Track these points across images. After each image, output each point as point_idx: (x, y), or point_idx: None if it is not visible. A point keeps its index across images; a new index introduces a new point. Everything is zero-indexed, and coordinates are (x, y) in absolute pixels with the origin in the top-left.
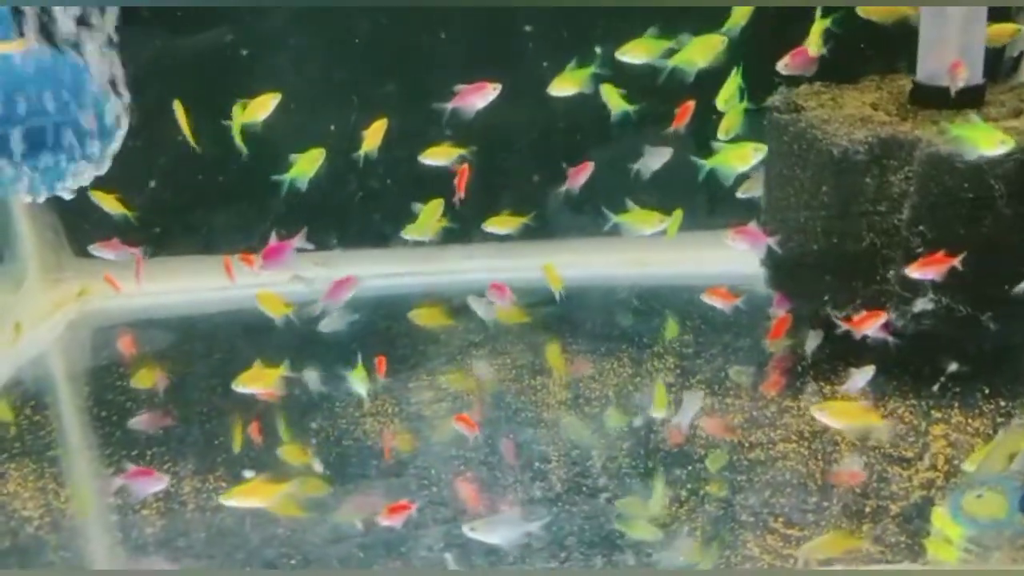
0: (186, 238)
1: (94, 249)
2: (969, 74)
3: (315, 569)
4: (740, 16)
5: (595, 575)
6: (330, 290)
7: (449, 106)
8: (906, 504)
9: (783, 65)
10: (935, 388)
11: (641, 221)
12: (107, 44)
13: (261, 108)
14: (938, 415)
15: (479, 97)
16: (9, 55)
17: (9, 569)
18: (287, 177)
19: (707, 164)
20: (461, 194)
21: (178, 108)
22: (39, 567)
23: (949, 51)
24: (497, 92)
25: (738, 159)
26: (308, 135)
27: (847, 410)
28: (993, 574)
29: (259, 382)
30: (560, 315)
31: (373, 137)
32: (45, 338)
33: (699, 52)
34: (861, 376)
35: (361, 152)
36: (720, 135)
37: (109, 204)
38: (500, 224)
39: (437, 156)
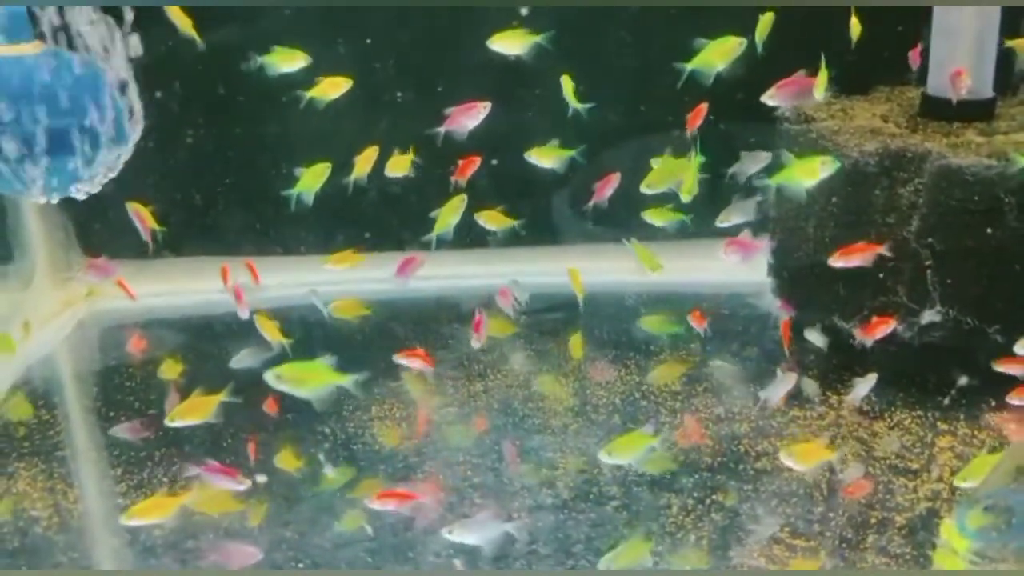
0: (196, 239)
1: (80, 276)
2: (980, 88)
3: (316, 570)
4: (765, 26)
5: None
6: (398, 268)
7: (441, 129)
8: (911, 515)
9: (769, 96)
10: (944, 400)
11: (644, 258)
12: (122, 46)
13: (333, 88)
14: (944, 427)
15: (470, 117)
16: (25, 57)
17: (15, 569)
18: (294, 192)
19: (773, 180)
20: (459, 178)
21: (176, 13)
22: (44, 567)
23: (960, 64)
24: (487, 111)
25: (806, 174)
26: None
27: (810, 451)
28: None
29: (196, 412)
30: (568, 321)
31: (364, 163)
32: (54, 337)
33: (717, 55)
34: (864, 384)
35: (351, 178)
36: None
37: (143, 217)
38: (490, 219)
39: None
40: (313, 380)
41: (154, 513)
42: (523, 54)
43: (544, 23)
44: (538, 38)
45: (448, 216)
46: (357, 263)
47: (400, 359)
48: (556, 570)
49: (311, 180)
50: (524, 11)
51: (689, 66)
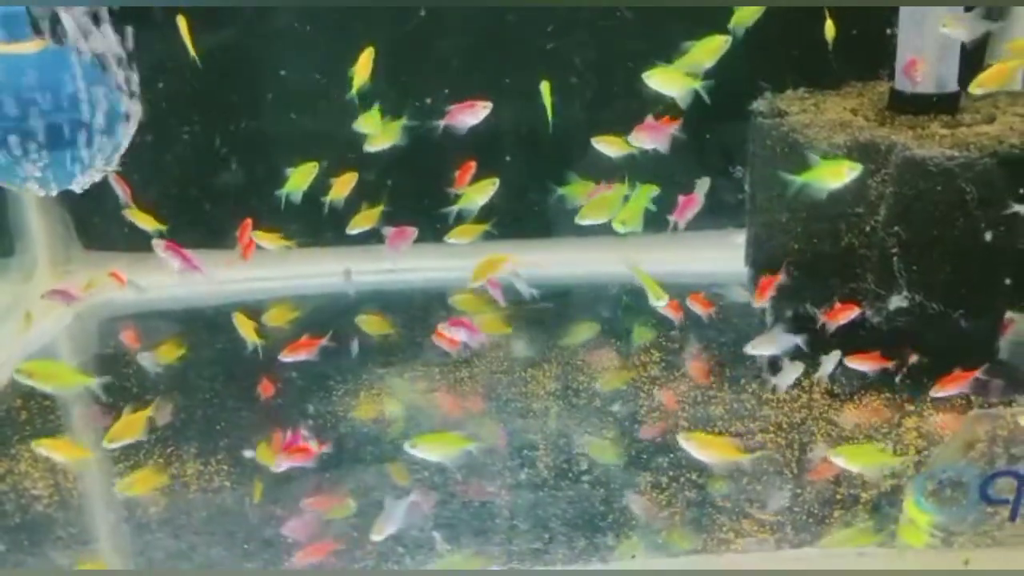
0: (191, 232)
1: (46, 296)
2: (945, 82)
3: (315, 569)
4: (746, 14)
5: (594, 575)
6: (390, 238)
7: (441, 123)
8: (876, 492)
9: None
10: (906, 381)
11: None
12: (119, 42)
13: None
14: (911, 407)
15: (470, 115)
16: (25, 54)
17: (12, 567)
18: (283, 192)
19: (800, 179)
20: (462, 187)
21: (182, 23)
22: (44, 544)
23: (927, 60)
24: (488, 110)
25: (831, 175)
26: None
27: (713, 443)
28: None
29: (130, 430)
30: (553, 311)
31: (341, 187)
32: (54, 328)
33: (704, 54)
34: (829, 362)
35: (328, 199)
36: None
37: (145, 222)
38: (462, 234)
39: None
40: (59, 379)
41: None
42: None
43: None
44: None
45: (475, 195)
46: (282, 245)
47: (286, 356)
48: (555, 569)
49: (299, 180)
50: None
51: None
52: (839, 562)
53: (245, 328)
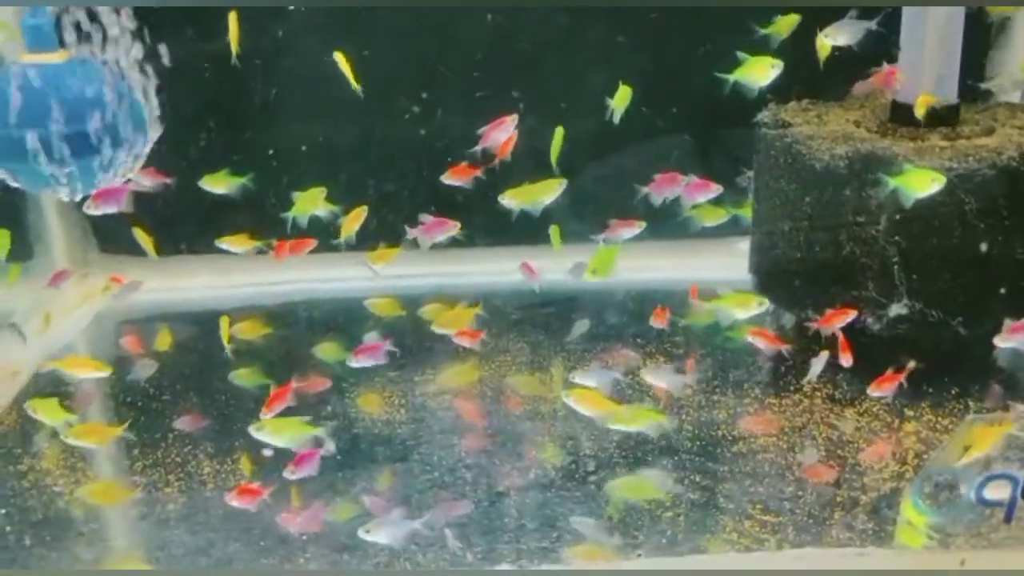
0: (209, 237)
1: None
2: (945, 95)
3: (315, 569)
4: (784, 26)
5: (596, 574)
6: (427, 227)
7: (479, 148)
8: (876, 495)
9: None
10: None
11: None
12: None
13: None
14: (911, 413)
15: (501, 131)
16: (53, 65)
17: (12, 568)
18: (289, 215)
19: (892, 182)
20: (504, 155)
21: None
22: (64, 540)
23: (926, 72)
24: (516, 122)
25: (919, 184)
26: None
27: (592, 399)
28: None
29: (92, 436)
30: (559, 316)
31: (351, 223)
32: (73, 329)
33: (756, 71)
34: (818, 363)
35: (342, 239)
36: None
37: (144, 241)
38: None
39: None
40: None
41: None
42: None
43: None
44: None
45: (538, 194)
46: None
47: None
48: (560, 568)
49: (305, 205)
50: None
51: (732, 77)
52: (839, 562)
53: (223, 332)
